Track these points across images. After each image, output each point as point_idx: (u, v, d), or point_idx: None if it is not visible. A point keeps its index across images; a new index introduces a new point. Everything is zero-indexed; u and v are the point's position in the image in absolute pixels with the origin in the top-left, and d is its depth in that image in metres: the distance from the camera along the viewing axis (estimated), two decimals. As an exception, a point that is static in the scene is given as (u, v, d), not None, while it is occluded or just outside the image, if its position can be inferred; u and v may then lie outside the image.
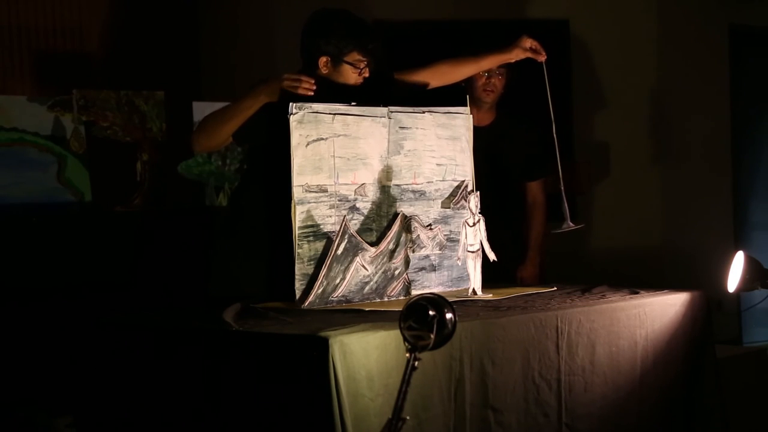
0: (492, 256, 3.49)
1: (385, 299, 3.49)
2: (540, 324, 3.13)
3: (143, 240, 5.21)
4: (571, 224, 3.79)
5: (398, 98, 3.74)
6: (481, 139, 3.92)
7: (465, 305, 3.29)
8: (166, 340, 3.09)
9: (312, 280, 3.32)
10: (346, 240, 3.36)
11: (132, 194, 5.30)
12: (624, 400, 3.32)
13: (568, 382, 3.17)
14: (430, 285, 3.59)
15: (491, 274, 3.60)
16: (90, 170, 5.42)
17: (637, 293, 3.53)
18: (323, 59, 3.71)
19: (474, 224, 3.44)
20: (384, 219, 3.52)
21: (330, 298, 3.35)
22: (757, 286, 3.73)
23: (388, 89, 3.84)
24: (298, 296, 3.31)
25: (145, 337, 3.15)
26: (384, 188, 3.52)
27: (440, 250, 3.64)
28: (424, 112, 3.65)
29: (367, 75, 3.73)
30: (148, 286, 5.01)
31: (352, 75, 3.71)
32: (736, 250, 3.86)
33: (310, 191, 3.35)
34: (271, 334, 2.88)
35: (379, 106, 3.59)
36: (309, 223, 3.33)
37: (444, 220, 3.66)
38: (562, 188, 3.83)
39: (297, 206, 3.31)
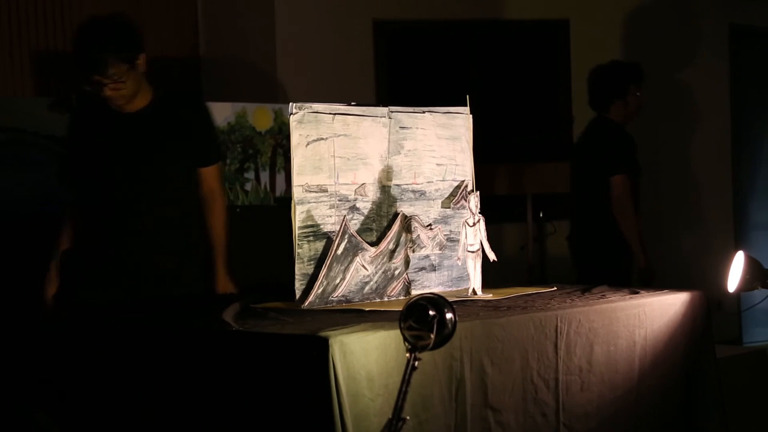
0: (492, 256, 3.49)
1: (385, 299, 3.48)
2: (539, 324, 3.12)
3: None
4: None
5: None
6: None
7: (465, 305, 3.29)
8: (166, 340, 3.09)
9: (312, 280, 3.31)
10: (346, 240, 3.36)
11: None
12: (622, 399, 3.32)
13: (566, 381, 3.17)
14: (430, 285, 3.59)
15: None
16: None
17: (636, 293, 3.53)
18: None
19: (474, 224, 3.44)
20: (384, 219, 3.52)
21: (330, 298, 3.34)
22: (757, 286, 3.73)
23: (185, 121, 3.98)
24: (298, 296, 3.31)
25: (144, 337, 3.15)
26: (384, 188, 3.52)
27: (440, 250, 3.64)
28: (424, 112, 3.65)
29: (119, 90, 3.82)
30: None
31: (101, 89, 3.83)
32: (736, 250, 3.85)
33: (310, 191, 3.34)
34: (271, 334, 2.88)
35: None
36: (309, 223, 3.33)
37: (444, 220, 3.66)
38: None
39: (297, 206, 3.31)
